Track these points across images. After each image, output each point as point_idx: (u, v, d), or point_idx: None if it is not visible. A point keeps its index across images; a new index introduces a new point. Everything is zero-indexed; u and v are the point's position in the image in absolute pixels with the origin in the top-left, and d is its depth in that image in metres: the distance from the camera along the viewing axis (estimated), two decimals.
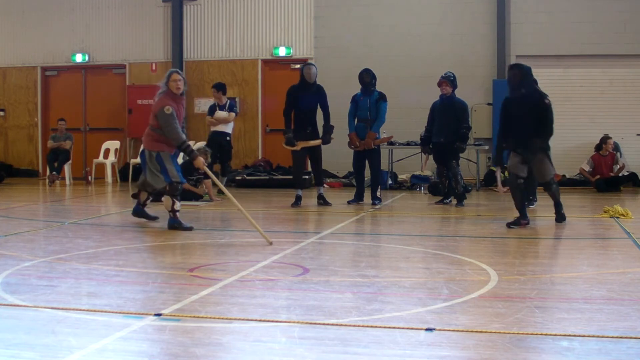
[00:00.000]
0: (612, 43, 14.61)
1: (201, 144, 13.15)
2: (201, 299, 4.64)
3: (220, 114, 12.35)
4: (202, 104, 15.75)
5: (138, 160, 15.41)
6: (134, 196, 8.54)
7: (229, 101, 12.69)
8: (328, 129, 10.66)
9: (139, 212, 8.65)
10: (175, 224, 7.97)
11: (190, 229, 7.91)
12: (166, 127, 7.90)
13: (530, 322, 4.09)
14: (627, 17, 14.61)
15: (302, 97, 10.51)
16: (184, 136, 8.00)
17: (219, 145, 12.12)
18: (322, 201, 10.66)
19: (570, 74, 14.83)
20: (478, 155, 13.93)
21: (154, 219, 8.58)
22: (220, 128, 12.33)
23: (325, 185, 14.05)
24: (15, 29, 17.03)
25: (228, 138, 12.44)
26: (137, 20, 16.48)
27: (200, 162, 8.05)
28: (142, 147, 8.55)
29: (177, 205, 8.01)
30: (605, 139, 13.92)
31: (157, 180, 8.06)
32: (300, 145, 10.52)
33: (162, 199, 8.29)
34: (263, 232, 7.13)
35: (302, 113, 10.52)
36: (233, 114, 12.48)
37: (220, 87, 12.64)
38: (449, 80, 10.61)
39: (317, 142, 10.63)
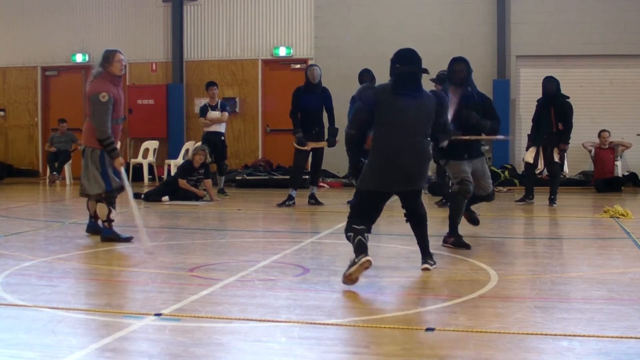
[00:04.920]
0: (612, 43, 14.60)
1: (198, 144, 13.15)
2: (201, 299, 4.64)
3: (213, 114, 12.39)
4: (202, 104, 15.77)
5: (139, 160, 15.49)
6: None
7: (220, 101, 12.75)
8: (333, 131, 10.72)
9: (92, 227, 7.48)
10: (110, 235, 7.12)
11: (129, 239, 7.08)
12: (94, 116, 6.98)
13: (530, 322, 4.09)
14: (627, 17, 14.61)
15: (308, 98, 10.57)
16: (109, 131, 7.00)
17: (214, 146, 12.13)
18: (314, 201, 10.73)
19: (570, 74, 14.79)
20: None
21: (127, 239, 7.18)
22: (214, 128, 12.37)
23: (325, 185, 14.09)
24: (15, 29, 17.02)
25: (222, 138, 12.49)
26: (137, 20, 16.47)
27: (120, 162, 7.08)
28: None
29: (113, 214, 7.16)
30: (600, 131, 13.96)
31: (94, 185, 7.07)
32: (310, 145, 10.60)
33: (96, 206, 7.19)
34: (146, 238, 6.63)
35: (307, 114, 10.61)
36: (226, 114, 12.55)
37: (215, 83, 12.89)
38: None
39: (323, 144, 10.74)
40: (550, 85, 10.83)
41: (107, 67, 7.11)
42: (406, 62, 5.52)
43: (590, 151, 14.04)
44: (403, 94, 5.45)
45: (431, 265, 5.70)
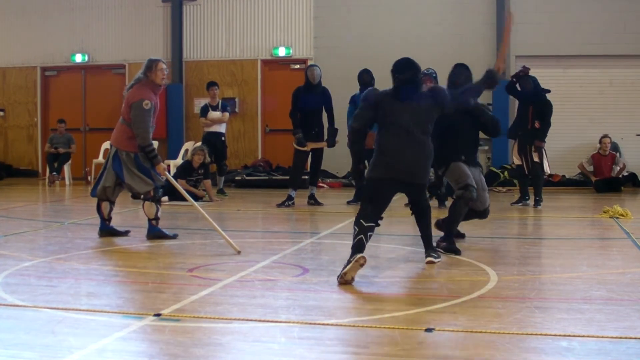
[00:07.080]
0: (612, 43, 14.60)
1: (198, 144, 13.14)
2: (201, 299, 4.64)
3: (213, 114, 12.40)
4: (202, 104, 15.78)
5: None
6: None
7: (220, 101, 12.76)
8: (332, 132, 10.74)
9: (107, 230, 7.47)
10: (158, 233, 7.29)
11: (175, 236, 7.37)
12: (138, 123, 7.02)
13: (530, 322, 4.09)
14: (627, 17, 14.61)
15: (307, 98, 10.57)
16: (151, 138, 7.16)
17: (213, 146, 12.13)
18: (313, 201, 10.73)
19: (570, 74, 14.81)
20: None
21: (124, 234, 7.53)
22: (215, 129, 12.37)
23: (324, 185, 14.09)
24: (15, 29, 17.02)
25: (223, 138, 12.49)
26: (136, 20, 16.47)
27: (162, 167, 7.25)
28: (110, 147, 7.36)
29: (160, 212, 7.33)
30: (601, 138, 13.94)
31: (140, 183, 7.17)
32: (309, 146, 10.61)
33: (144, 205, 7.29)
34: (231, 240, 6.69)
35: (307, 114, 10.61)
36: (227, 114, 12.55)
37: (216, 83, 12.92)
38: (431, 77, 10.49)
39: (322, 144, 10.75)
40: (527, 85, 10.82)
41: (149, 75, 7.18)
42: (404, 70, 5.81)
43: (587, 162, 13.99)
44: (403, 99, 5.72)
45: (435, 258, 5.86)
